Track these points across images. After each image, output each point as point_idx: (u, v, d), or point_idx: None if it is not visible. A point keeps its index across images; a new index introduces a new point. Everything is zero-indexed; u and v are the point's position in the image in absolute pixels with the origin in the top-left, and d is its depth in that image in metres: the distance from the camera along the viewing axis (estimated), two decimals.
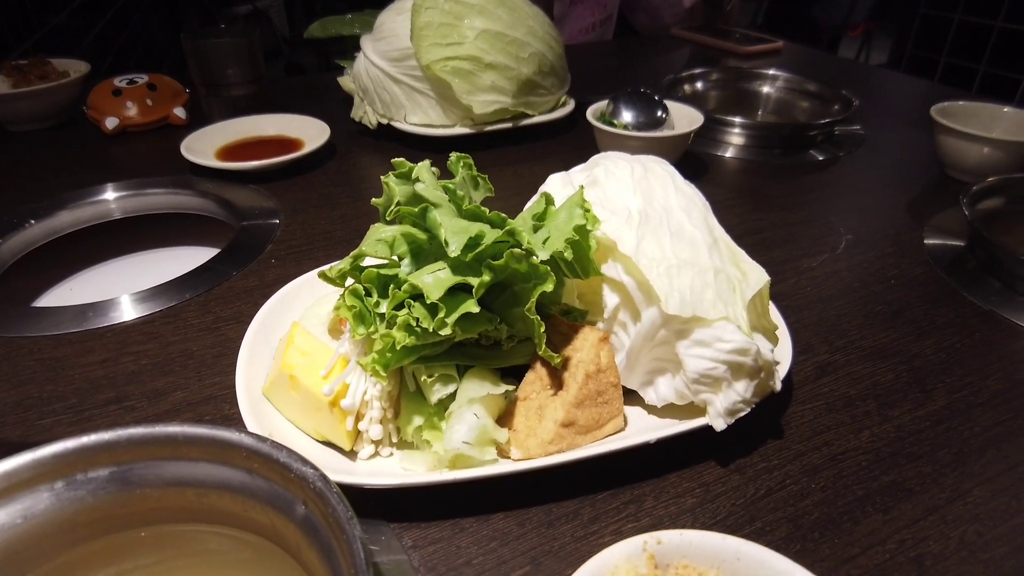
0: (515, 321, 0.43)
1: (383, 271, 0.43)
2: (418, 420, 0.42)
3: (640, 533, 0.30)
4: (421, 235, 0.44)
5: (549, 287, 0.40)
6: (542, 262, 0.40)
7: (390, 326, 0.40)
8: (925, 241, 0.70)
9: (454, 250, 0.39)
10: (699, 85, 1.09)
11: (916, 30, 2.62)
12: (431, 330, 0.39)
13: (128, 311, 0.59)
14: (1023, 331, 0.56)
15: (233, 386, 0.45)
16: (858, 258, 0.67)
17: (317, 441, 0.43)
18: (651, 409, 0.45)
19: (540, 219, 0.45)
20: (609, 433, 0.42)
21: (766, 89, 1.09)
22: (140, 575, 0.41)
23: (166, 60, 1.07)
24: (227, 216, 0.78)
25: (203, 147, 0.86)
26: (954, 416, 0.47)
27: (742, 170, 0.88)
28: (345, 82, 0.96)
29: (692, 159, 0.89)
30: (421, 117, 0.89)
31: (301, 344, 0.46)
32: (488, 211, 0.43)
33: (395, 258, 0.44)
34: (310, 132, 0.91)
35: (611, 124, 0.81)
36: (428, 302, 0.39)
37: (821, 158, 0.90)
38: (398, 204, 0.44)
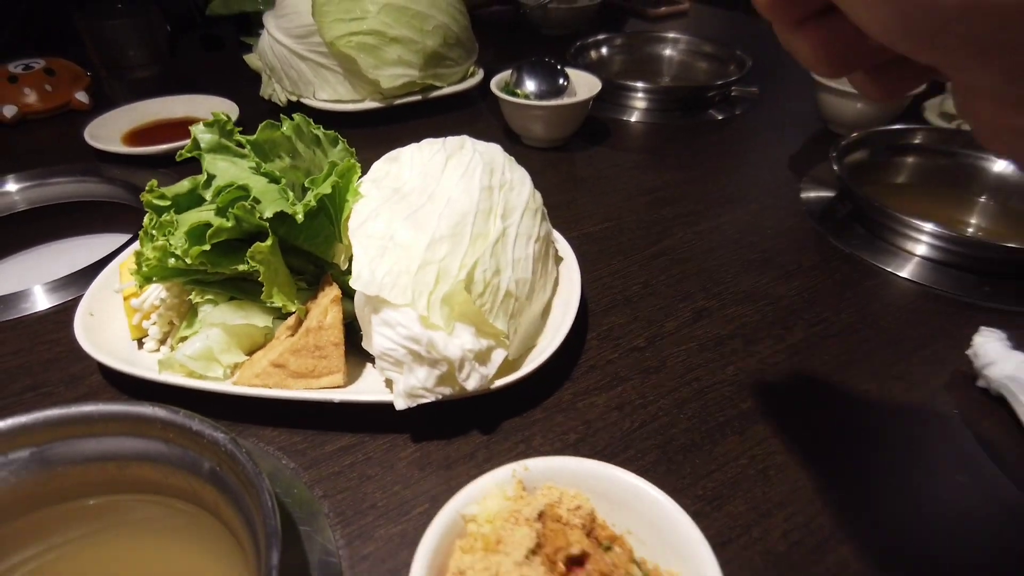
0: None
1: (186, 192, 0.49)
2: (187, 331, 0.49)
3: None
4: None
5: (263, 246, 0.44)
6: (264, 218, 0.44)
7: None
8: (801, 193, 0.76)
9: (208, 205, 0.47)
10: (604, 51, 1.13)
11: None
12: (178, 256, 0.46)
13: (40, 301, 0.60)
14: (878, 270, 0.63)
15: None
16: (740, 211, 0.72)
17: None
18: None
19: (317, 183, 0.49)
20: (325, 385, 0.46)
21: (669, 52, 1.13)
22: (70, 548, 0.43)
23: (63, 39, 1.04)
24: (137, 202, 0.78)
25: (108, 133, 0.86)
26: (808, 348, 0.54)
27: (645, 133, 0.92)
28: (251, 60, 0.96)
29: (598, 125, 0.93)
30: (330, 93, 0.90)
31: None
32: (278, 175, 0.48)
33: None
34: (219, 111, 0.91)
35: (514, 94, 0.84)
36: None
37: (720, 117, 0.96)
38: (196, 147, 0.50)
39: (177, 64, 0.99)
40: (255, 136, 0.50)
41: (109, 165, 0.82)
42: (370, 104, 0.91)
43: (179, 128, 0.90)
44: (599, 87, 0.83)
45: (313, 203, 0.46)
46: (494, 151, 0.53)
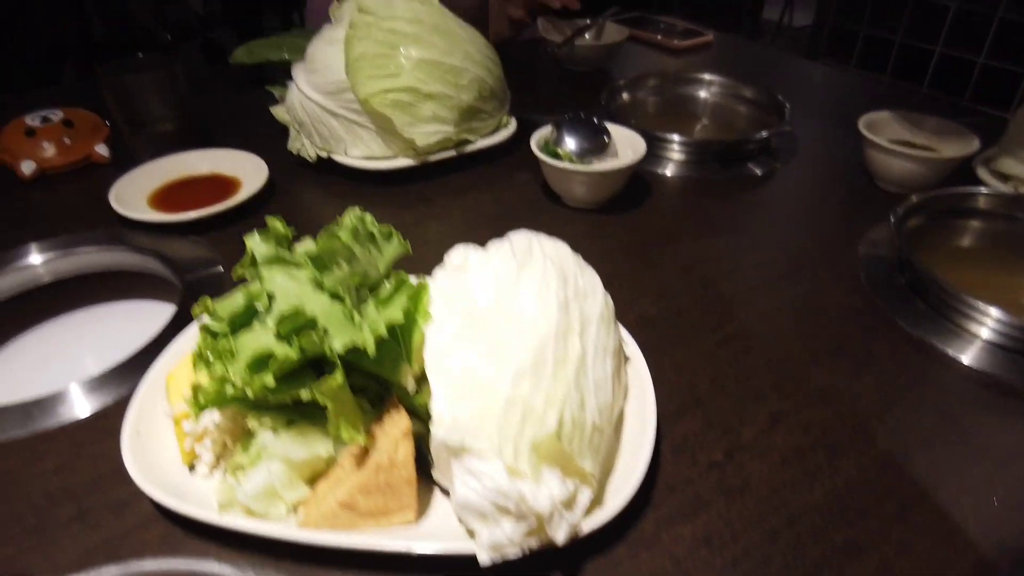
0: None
1: (242, 311, 0.44)
2: (243, 458, 0.45)
3: None
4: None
5: (332, 383, 0.41)
6: (334, 351, 0.42)
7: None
8: (859, 263, 0.74)
9: (269, 328, 0.43)
10: (637, 93, 1.10)
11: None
12: (238, 387, 0.42)
13: (80, 405, 0.56)
14: (951, 360, 0.61)
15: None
16: (800, 287, 0.70)
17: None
18: None
19: (385, 303, 0.46)
20: (396, 522, 0.43)
21: (703, 94, 1.10)
22: None
23: (85, 88, 1.00)
24: (167, 272, 0.75)
25: (133, 194, 0.82)
26: (895, 463, 0.51)
27: (683, 189, 0.89)
28: (279, 113, 0.93)
29: (636, 180, 0.90)
30: (362, 149, 0.87)
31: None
32: (341, 291, 0.44)
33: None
34: (246, 168, 0.88)
35: (555, 154, 0.81)
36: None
37: (759, 172, 0.93)
38: (252, 262, 0.46)
39: (198, 111, 0.95)
40: (316, 249, 0.46)
41: (136, 232, 0.78)
42: (403, 162, 0.87)
43: (205, 186, 0.87)
44: (644, 150, 0.80)
45: (384, 333, 0.42)
46: (563, 254, 0.50)
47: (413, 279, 0.52)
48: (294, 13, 4.40)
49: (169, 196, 0.85)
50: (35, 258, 0.75)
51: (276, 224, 0.48)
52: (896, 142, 0.89)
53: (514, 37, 1.35)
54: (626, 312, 0.66)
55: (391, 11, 0.82)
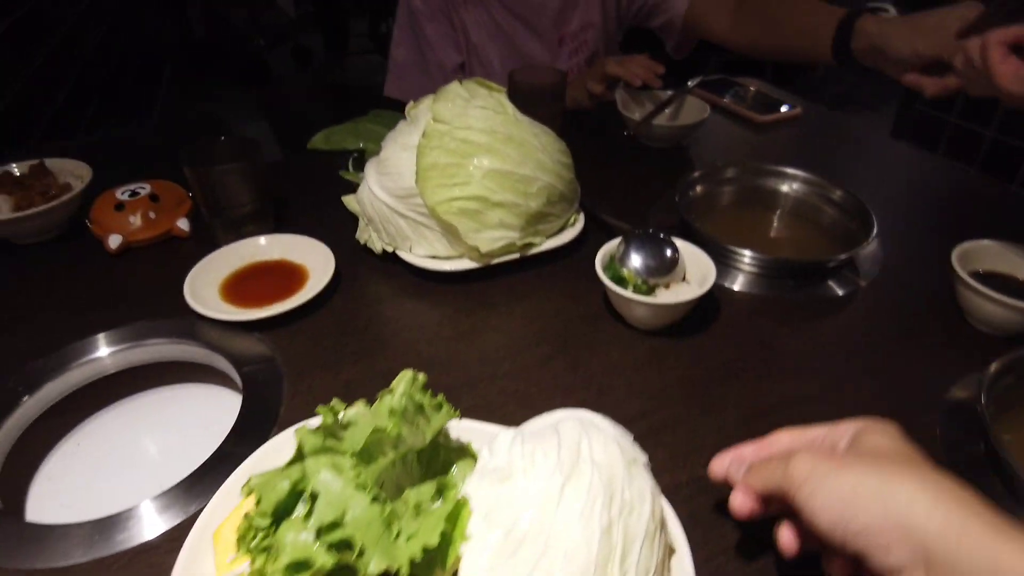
0: None
1: (285, 498, 0.44)
2: None
3: None
4: None
5: None
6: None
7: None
8: (937, 418, 0.69)
9: (310, 531, 0.42)
10: (712, 186, 1.06)
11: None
12: None
13: (148, 524, 0.59)
14: None
15: None
16: None
17: None
18: None
19: (423, 510, 0.46)
20: None
21: (784, 188, 1.05)
22: None
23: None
24: (227, 365, 0.77)
25: (205, 283, 0.85)
26: None
27: (752, 310, 0.85)
28: (349, 202, 0.94)
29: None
30: (427, 249, 0.87)
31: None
32: (382, 494, 0.44)
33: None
34: (314, 257, 0.90)
35: (620, 275, 0.79)
36: None
37: (840, 292, 0.88)
38: (299, 454, 0.45)
39: (274, 193, 0.98)
40: (362, 444, 0.46)
41: (204, 324, 0.81)
42: (466, 264, 0.87)
43: (274, 274, 0.89)
44: (712, 279, 0.77)
45: (419, 557, 0.42)
46: (613, 459, 0.48)
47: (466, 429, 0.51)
48: (382, 24, 4.50)
49: (239, 284, 0.88)
50: (104, 350, 0.78)
51: (327, 413, 0.48)
52: (994, 275, 0.83)
53: (592, 107, 1.33)
54: (679, 470, 0.63)
55: (465, 120, 0.81)
